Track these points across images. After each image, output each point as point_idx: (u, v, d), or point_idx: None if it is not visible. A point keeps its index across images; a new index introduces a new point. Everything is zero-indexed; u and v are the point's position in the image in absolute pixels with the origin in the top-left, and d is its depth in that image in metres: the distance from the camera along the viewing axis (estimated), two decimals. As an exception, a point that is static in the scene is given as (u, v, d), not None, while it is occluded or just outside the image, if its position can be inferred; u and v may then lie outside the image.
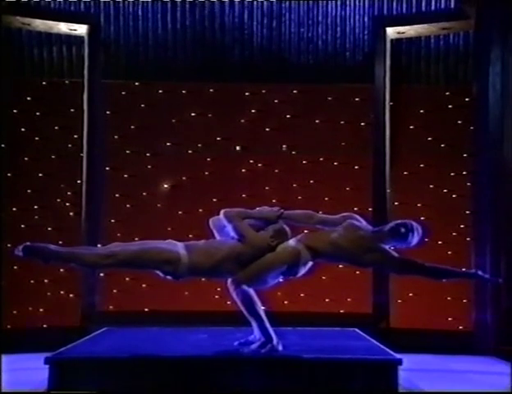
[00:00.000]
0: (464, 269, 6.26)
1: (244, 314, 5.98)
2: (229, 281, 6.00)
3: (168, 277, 5.99)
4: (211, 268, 5.93)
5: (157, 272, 5.97)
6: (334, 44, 10.00)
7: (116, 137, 9.88)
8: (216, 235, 6.27)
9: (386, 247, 6.06)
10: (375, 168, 9.85)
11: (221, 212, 6.15)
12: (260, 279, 6.01)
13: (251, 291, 5.95)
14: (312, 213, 6.36)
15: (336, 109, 9.96)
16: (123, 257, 5.84)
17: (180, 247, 5.97)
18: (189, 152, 9.93)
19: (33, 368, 6.58)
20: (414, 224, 6.07)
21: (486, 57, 9.32)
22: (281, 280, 6.21)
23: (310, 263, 6.13)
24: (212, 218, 6.29)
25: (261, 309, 5.98)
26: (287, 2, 10.00)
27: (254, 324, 6.02)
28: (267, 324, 5.98)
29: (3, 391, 5.75)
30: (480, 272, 6.38)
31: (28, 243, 5.75)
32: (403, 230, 5.99)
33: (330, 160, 9.93)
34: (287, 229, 6.21)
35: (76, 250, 6.04)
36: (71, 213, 9.72)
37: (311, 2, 9.98)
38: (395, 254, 6.04)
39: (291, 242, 6.11)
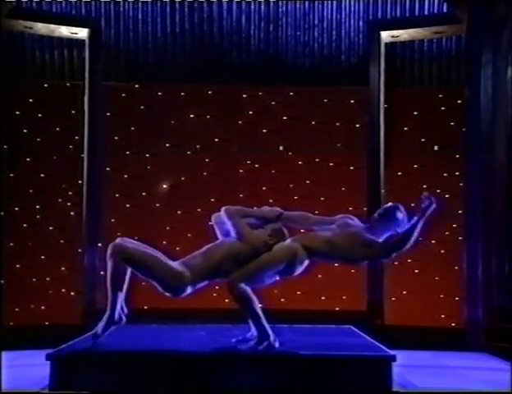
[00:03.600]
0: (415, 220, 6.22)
1: (242, 312, 6.01)
2: (226, 280, 6.02)
3: (167, 294, 6.05)
4: (210, 270, 5.98)
5: (158, 286, 6.02)
6: (330, 47, 10.09)
7: (116, 138, 9.95)
8: (217, 230, 6.31)
9: (377, 238, 6.12)
10: (370, 169, 9.94)
11: (222, 208, 6.19)
12: (257, 278, 6.02)
13: (248, 290, 5.96)
14: (309, 215, 6.39)
15: (331, 111, 10.03)
16: (131, 254, 5.89)
17: (177, 264, 6.02)
18: (188, 153, 10.01)
19: (35, 365, 6.65)
20: (398, 205, 6.20)
21: (477, 61, 9.43)
22: (277, 279, 6.25)
23: (306, 262, 6.14)
24: (215, 214, 6.32)
25: (258, 306, 5.99)
26: (284, 6, 10.09)
27: (251, 322, 6.03)
28: (264, 322, 5.98)
29: (5, 388, 5.76)
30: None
31: None
32: (391, 212, 6.12)
33: (325, 161, 10.01)
34: (285, 229, 6.23)
35: None
36: (72, 213, 9.80)
37: (307, 6, 10.07)
38: (384, 242, 6.13)
39: (288, 242, 6.14)
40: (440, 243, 9.68)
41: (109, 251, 5.94)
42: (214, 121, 10.05)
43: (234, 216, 6.13)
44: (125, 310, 6.07)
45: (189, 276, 5.94)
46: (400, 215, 6.15)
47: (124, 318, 6.03)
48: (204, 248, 6.16)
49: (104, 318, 5.97)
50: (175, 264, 6.01)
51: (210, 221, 6.37)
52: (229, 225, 6.14)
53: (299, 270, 6.15)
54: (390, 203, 6.35)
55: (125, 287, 6.02)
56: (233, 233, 6.14)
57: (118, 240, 6.04)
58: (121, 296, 6.03)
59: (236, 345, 6.13)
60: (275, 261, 6.05)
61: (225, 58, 10.12)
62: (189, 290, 6.03)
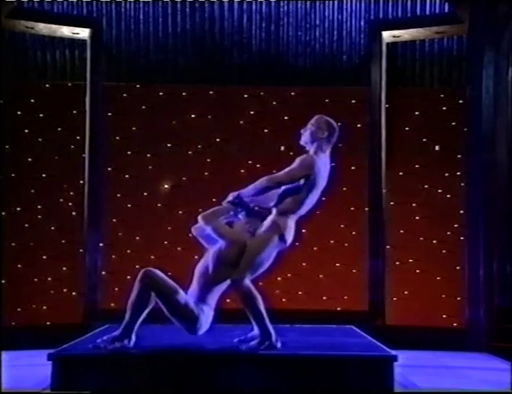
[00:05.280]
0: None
1: (245, 311, 6.03)
2: (230, 281, 6.08)
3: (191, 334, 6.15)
4: (211, 286, 6.10)
5: (180, 326, 6.13)
6: (331, 47, 10.08)
7: (117, 138, 9.94)
8: (201, 241, 6.37)
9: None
10: (371, 169, 9.92)
11: (199, 217, 6.26)
12: (257, 267, 6.06)
13: (253, 289, 6.00)
14: (265, 178, 6.36)
15: (332, 111, 9.84)
16: (157, 285, 5.93)
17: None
18: (189, 153, 10.00)
19: (36, 365, 6.68)
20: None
21: (479, 61, 9.43)
22: (278, 253, 6.19)
23: (293, 226, 6.15)
24: (194, 227, 6.38)
25: (262, 306, 6.00)
26: (285, 6, 10.08)
27: (254, 321, 6.05)
28: (267, 321, 6.00)
29: (6, 388, 5.80)
30: None
31: None
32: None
33: (326, 161, 10.01)
34: (256, 208, 6.26)
35: None
36: (74, 213, 9.80)
37: (308, 6, 10.06)
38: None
39: (265, 220, 6.18)
40: (441, 243, 9.68)
41: (139, 275, 5.97)
42: (215, 121, 10.02)
43: (210, 220, 6.21)
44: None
45: (195, 306, 6.03)
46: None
47: (131, 345, 5.99)
48: (195, 272, 6.24)
49: (111, 336, 5.97)
50: (191, 303, 6.07)
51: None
52: (209, 230, 6.21)
53: (290, 238, 6.15)
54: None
55: (143, 314, 6.01)
56: (215, 237, 6.20)
57: (152, 268, 6.06)
58: (138, 323, 6.03)
59: (238, 345, 6.14)
60: (264, 244, 6.08)
61: (226, 58, 10.10)
62: (207, 314, 6.10)
